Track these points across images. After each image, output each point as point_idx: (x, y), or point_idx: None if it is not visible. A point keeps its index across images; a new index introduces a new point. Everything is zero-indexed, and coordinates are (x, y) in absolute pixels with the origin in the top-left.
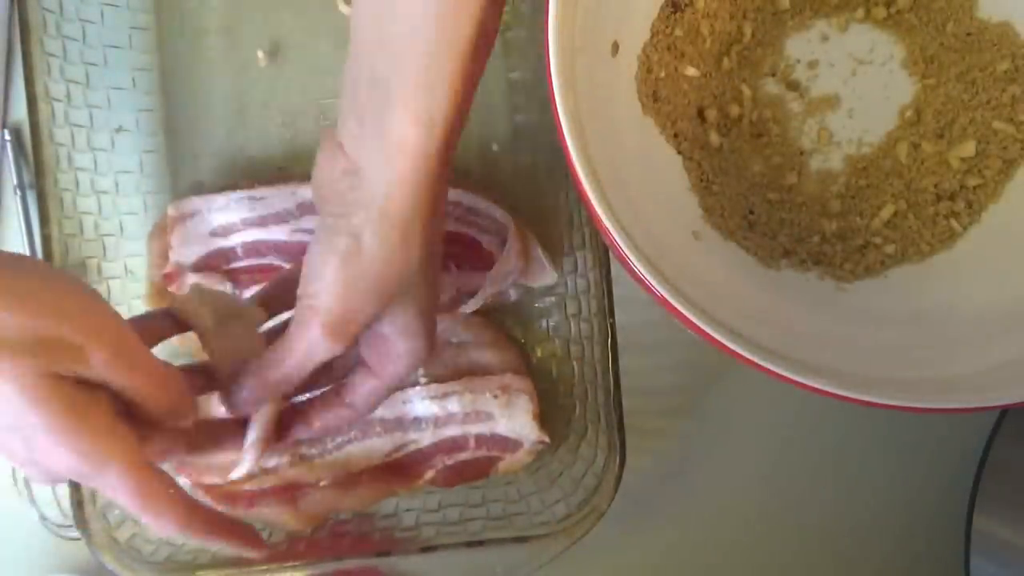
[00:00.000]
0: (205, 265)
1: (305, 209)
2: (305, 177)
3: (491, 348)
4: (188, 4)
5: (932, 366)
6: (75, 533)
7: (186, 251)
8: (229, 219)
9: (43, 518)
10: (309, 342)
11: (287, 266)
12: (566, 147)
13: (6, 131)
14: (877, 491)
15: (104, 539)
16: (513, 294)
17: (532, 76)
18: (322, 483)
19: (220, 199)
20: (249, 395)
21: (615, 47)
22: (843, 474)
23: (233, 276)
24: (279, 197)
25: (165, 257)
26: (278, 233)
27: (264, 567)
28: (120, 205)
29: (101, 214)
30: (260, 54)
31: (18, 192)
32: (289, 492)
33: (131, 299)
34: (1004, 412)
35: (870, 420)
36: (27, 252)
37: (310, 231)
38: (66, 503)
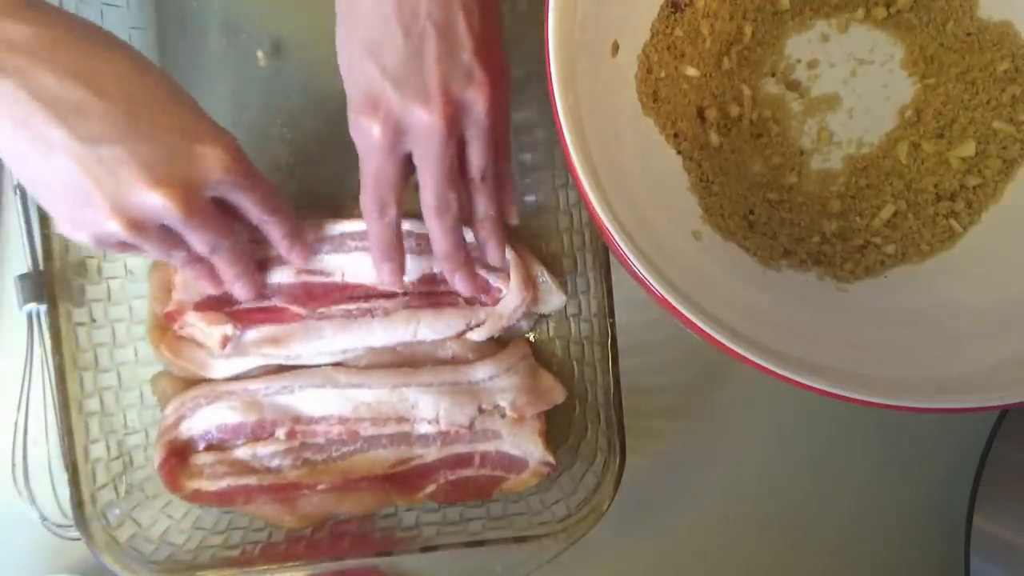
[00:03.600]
0: (208, 306)
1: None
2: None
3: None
4: (188, 3)
5: (932, 366)
6: (75, 533)
7: (189, 291)
8: None
9: (43, 518)
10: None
11: (292, 308)
12: (566, 147)
13: None
14: (877, 491)
15: (104, 539)
16: (525, 325)
17: (532, 75)
18: (320, 487)
19: None
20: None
21: (615, 47)
22: (843, 474)
23: (236, 317)
24: None
25: (166, 290)
26: (281, 275)
27: (264, 567)
28: None
29: None
30: (260, 54)
31: (18, 192)
32: (286, 492)
33: (131, 299)
34: (1004, 412)
35: (870, 420)
36: (27, 252)
37: (312, 272)
38: (66, 503)
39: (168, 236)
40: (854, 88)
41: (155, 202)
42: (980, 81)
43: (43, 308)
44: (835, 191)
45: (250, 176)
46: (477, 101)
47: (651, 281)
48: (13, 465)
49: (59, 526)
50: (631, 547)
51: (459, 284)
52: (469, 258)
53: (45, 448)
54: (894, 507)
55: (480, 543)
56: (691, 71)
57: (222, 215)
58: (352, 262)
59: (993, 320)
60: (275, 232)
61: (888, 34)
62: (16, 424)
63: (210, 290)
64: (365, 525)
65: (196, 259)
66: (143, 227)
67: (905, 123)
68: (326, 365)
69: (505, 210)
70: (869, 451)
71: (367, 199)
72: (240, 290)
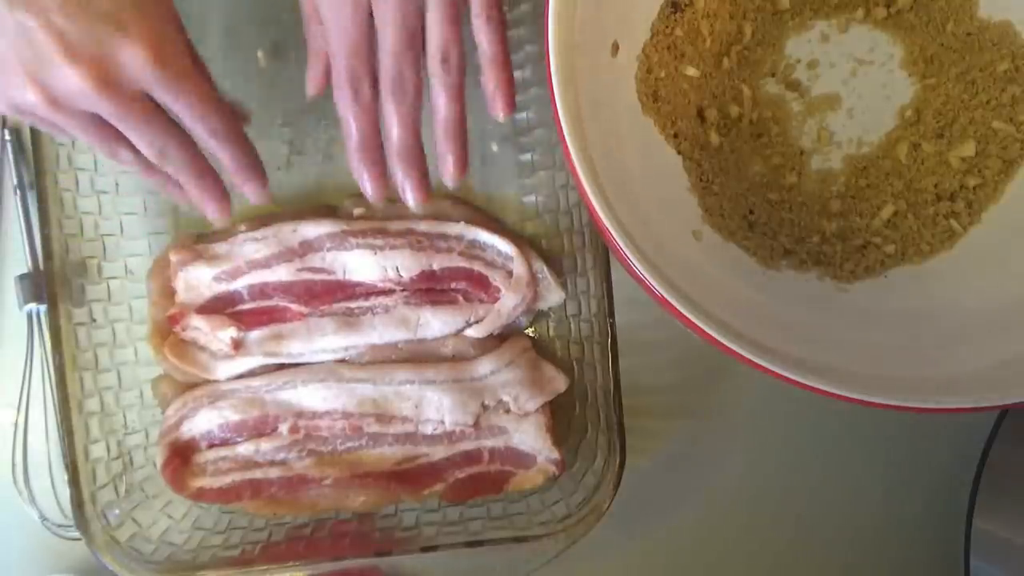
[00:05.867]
0: (210, 308)
1: (307, 247)
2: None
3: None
4: (188, 4)
5: (932, 366)
6: (75, 533)
7: (191, 295)
8: (234, 263)
9: (43, 518)
10: None
11: (293, 307)
12: (566, 147)
13: (6, 131)
14: (877, 491)
15: (104, 539)
16: (524, 320)
17: (532, 76)
18: (326, 481)
19: (223, 246)
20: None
21: (615, 47)
22: (843, 474)
23: (238, 319)
24: (281, 236)
25: (166, 296)
26: (282, 273)
27: (264, 567)
28: (120, 205)
29: (101, 214)
30: (260, 54)
31: (18, 192)
32: (293, 483)
33: (131, 299)
34: (1004, 412)
35: (870, 420)
36: (27, 252)
37: (314, 269)
38: (66, 503)
39: (103, 127)
40: (854, 88)
41: (70, 79)
42: (980, 81)
43: (43, 308)
44: (835, 191)
45: (181, 79)
46: None
47: (651, 281)
48: (13, 465)
49: (59, 526)
50: (631, 547)
51: (409, 193)
52: (422, 159)
53: (45, 448)
54: (894, 507)
55: (480, 543)
56: (691, 71)
57: (166, 116)
58: (353, 259)
59: (993, 320)
60: (223, 157)
61: (888, 34)
62: (16, 424)
63: (177, 200)
64: (365, 525)
65: (148, 166)
66: (63, 106)
67: (905, 123)
68: (329, 361)
69: (496, 100)
70: (869, 451)
71: (338, 76)
72: (210, 208)
